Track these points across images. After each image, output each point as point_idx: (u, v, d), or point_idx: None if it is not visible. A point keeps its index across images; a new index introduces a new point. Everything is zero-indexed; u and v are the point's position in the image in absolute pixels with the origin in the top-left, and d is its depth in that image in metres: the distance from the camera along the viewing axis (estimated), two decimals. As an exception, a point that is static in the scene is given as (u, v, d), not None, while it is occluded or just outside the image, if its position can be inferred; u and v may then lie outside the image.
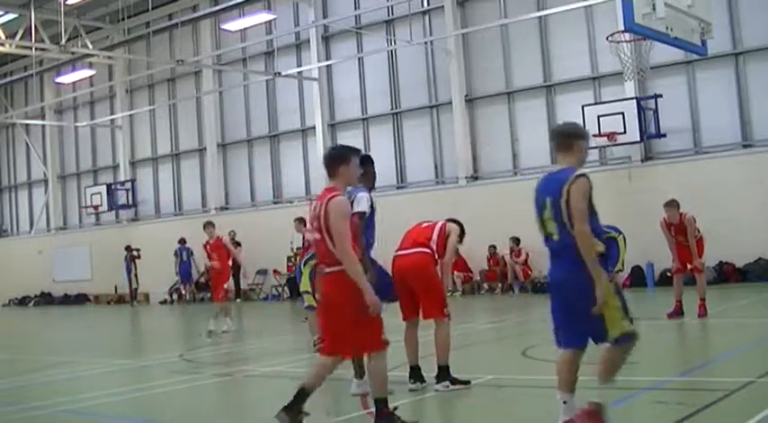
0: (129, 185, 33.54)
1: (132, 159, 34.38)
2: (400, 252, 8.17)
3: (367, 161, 7.96)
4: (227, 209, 30.77)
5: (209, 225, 16.74)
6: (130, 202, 33.43)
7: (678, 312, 12.88)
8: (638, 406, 6.67)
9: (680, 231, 13.20)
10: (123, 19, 27.74)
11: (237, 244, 27.75)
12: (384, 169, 26.42)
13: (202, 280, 27.43)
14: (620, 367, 5.66)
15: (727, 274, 19.69)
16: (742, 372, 7.81)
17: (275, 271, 27.38)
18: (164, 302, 30.43)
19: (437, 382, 7.88)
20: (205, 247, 16.68)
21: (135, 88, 34.25)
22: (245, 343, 15.34)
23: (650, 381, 6.82)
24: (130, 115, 33.81)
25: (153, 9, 27.77)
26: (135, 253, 30.49)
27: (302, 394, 6.22)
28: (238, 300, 27.91)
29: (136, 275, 30.53)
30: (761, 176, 19.47)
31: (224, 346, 14.14)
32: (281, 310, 17.73)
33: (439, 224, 8.34)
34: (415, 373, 8.03)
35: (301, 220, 16.99)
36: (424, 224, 8.42)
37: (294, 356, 12.25)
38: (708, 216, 19.57)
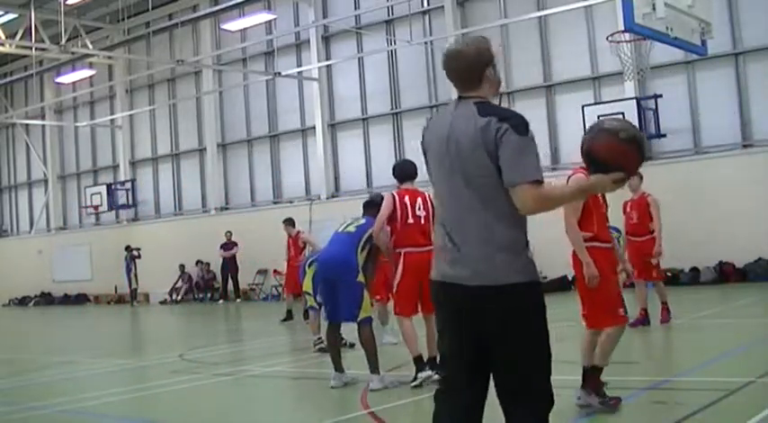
0: (129, 185, 33.52)
1: (132, 159, 34.38)
2: (419, 249, 8.15)
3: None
4: (227, 209, 30.78)
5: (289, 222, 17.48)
6: (130, 202, 33.40)
7: (642, 321, 11.90)
8: (637, 406, 6.67)
9: (636, 208, 12.00)
10: (123, 19, 27.76)
11: (234, 244, 27.92)
12: (384, 169, 26.50)
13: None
14: None
15: (726, 274, 19.68)
16: (742, 372, 7.81)
17: (275, 271, 27.37)
18: (164, 302, 30.43)
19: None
20: (288, 240, 17.38)
21: (135, 88, 34.25)
22: (245, 343, 15.35)
23: (650, 381, 6.83)
24: (130, 115, 33.81)
25: (153, 9, 27.79)
26: (135, 253, 30.49)
27: (595, 370, 6.57)
28: (238, 300, 27.95)
29: (136, 275, 30.52)
30: (761, 176, 19.46)
31: (224, 346, 14.14)
32: (281, 310, 17.71)
33: (429, 205, 8.31)
34: (422, 362, 8.11)
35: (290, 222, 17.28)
36: (418, 210, 8.32)
37: (294, 356, 12.27)
38: (708, 216, 19.66)
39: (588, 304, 6.67)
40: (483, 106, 3.74)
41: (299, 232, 17.27)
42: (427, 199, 8.36)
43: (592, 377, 6.53)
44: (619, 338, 6.66)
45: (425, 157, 3.98)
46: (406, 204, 8.31)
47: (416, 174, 8.53)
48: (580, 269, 6.64)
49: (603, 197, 6.91)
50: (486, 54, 3.84)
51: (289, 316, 16.94)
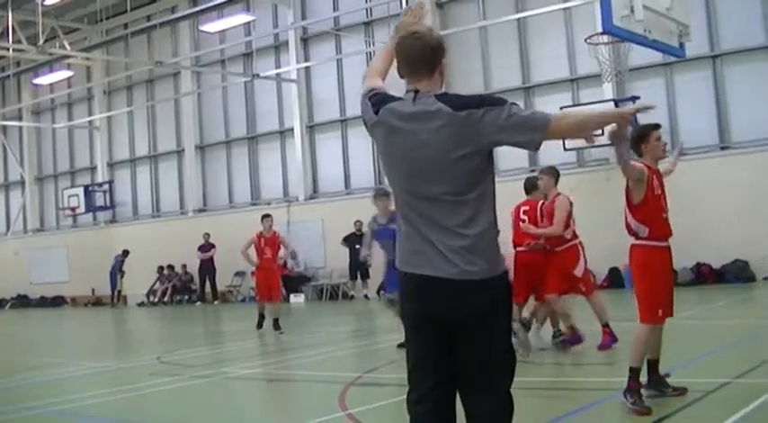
0: (106, 187, 33.32)
1: (110, 161, 34.20)
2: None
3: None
4: (204, 210, 30.66)
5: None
6: (108, 203, 33.21)
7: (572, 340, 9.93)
8: (616, 406, 6.68)
9: (548, 214, 10.44)
10: (101, 20, 27.64)
11: (211, 245, 27.82)
12: (362, 171, 26.55)
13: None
14: None
15: (704, 275, 19.82)
16: (718, 373, 7.84)
17: (253, 272, 27.25)
18: (141, 304, 30.30)
19: None
20: (259, 240, 15.90)
21: (113, 90, 34.07)
22: (222, 345, 15.28)
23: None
24: (108, 117, 33.62)
25: (131, 10, 27.65)
26: (123, 259, 30.44)
27: (652, 365, 6.86)
28: (216, 302, 27.86)
29: (122, 278, 30.51)
30: (738, 178, 19.59)
31: (202, 348, 14.06)
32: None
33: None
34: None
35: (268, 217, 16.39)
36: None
37: (272, 358, 12.22)
38: (685, 218, 19.64)
39: (637, 298, 6.76)
40: (448, 98, 3.62)
41: (275, 233, 16.16)
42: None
43: (629, 377, 6.55)
44: (650, 339, 6.68)
45: (382, 154, 3.82)
46: None
47: None
48: (636, 264, 6.75)
49: (662, 195, 6.83)
50: (444, 45, 3.75)
51: (261, 319, 15.84)
